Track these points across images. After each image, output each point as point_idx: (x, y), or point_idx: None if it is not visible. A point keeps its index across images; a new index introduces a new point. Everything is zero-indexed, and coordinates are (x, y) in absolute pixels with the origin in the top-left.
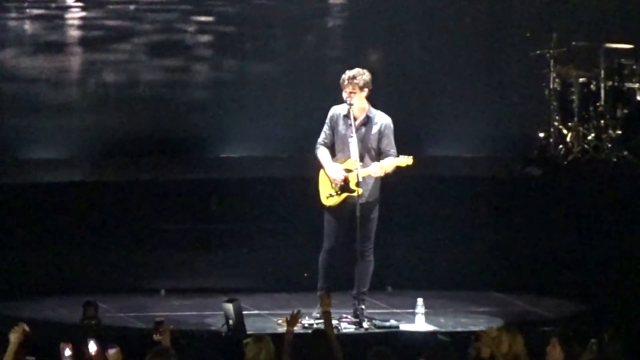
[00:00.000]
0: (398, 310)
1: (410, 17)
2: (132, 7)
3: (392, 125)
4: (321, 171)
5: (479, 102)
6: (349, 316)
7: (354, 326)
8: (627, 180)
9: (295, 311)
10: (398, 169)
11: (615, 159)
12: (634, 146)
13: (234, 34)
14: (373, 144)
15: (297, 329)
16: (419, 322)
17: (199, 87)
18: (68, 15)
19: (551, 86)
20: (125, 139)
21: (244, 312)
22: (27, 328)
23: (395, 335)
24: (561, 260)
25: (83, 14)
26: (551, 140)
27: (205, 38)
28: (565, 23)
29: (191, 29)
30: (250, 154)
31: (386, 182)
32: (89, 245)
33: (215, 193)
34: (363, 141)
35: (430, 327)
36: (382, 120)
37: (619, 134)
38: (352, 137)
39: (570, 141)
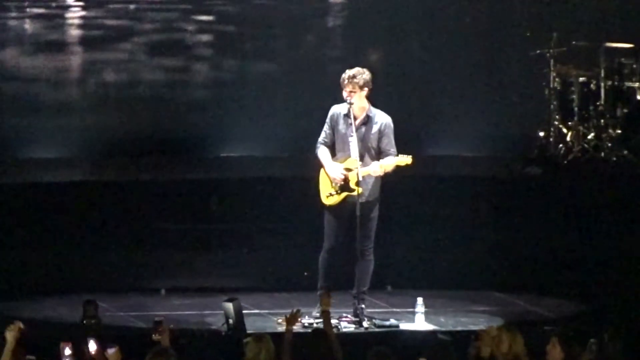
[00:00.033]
0: (398, 310)
1: (410, 17)
2: (132, 6)
3: (392, 125)
4: (321, 170)
5: (479, 101)
6: (349, 315)
7: (354, 325)
8: (627, 179)
9: (295, 310)
10: (398, 168)
11: (615, 158)
12: (634, 145)
13: (234, 34)
14: (373, 143)
15: (297, 328)
16: (419, 322)
17: (199, 86)
18: (68, 15)
19: (551, 85)
20: (125, 138)
21: (244, 312)
22: (22, 326)
23: (395, 335)
24: (561, 260)
25: (83, 13)
26: (551, 139)
27: (205, 38)
28: (566, 22)
29: (191, 28)
30: (250, 154)
31: (386, 181)
32: (89, 245)
33: (215, 193)
34: (363, 140)
35: (430, 327)
36: (382, 119)
37: (619, 133)
38: (352, 136)
39: (570, 140)
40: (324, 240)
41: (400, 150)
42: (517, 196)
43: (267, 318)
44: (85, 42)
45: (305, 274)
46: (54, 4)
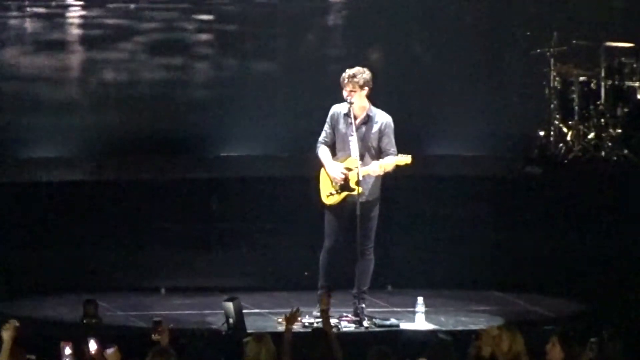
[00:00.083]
0: (398, 309)
1: (410, 17)
2: (132, 5)
3: (392, 124)
4: (322, 170)
5: (479, 101)
6: (350, 315)
7: (354, 325)
8: (627, 179)
9: (294, 309)
10: (398, 167)
11: (615, 158)
12: (634, 145)
13: (235, 33)
14: (373, 142)
15: (297, 327)
16: (420, 321)
17: (200, 86)
18: (69, 14)
19: (551, 85)
20: (126, 138)
21: (244, 311)
22: (17, 324)
23: (395, 334)
24: (561, 260)
25: (83, 12)
26: (551, 139)
27: (205, 37)
28: (566, 22)
29: (191, 27)
30: (250, 153)
31: (386, 181)
32: (89, 245)
33: (215, 192)
34: (363, 140)
35: (430, 326)
36: (382, 119)
37: (619, 132)
38: (352, 135)
39: (571, 140)
40: (324, 240)
41: (400, 150)
42: (518, 195)
43: (267, 318)
44: (86, 41)
45: (306, 273)
46: (54, 3)
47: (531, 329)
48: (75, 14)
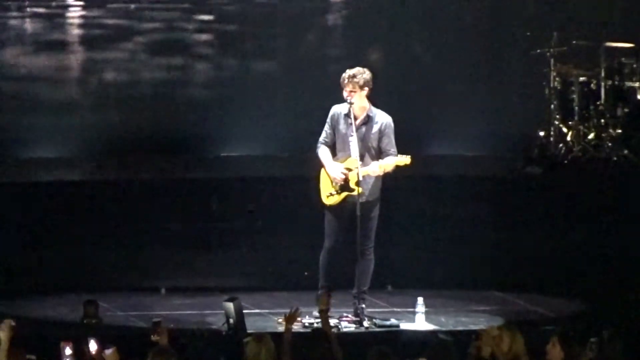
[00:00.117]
0: (398, 309)
1: (410, 17)
2: (132, 5)
3: (392, 125)
4: (322, 170)
5: (479, 101)
6: (350, 315)
7: (354, 325)
8: (627, 179)
9: (294, 309)
10: (398, 168)
11: (615, 158)
12: (634, 145)
13: (235, 33)
14: (373, 143)
15: (297, 327)
16: (420, 321)
17: (200, 86)
18: (69, 14)
19: (551, 85)
20: (126, 138)
21: (245, 311)
22: (13, 323)
23: (395, 335)
24: (561, 260)
25: (84, 12)
26: (551, 139)
27: (205, 37)
28: (566, 22)
29: (191, 27)
30: (250, 153)
31: (386, 181)
32: (89, 245)
33: (215, 192)
34: (363, 140)
35: (430, 326)
36: (382, 119)
37: (619, 132)
38: (352, 136)
39: (571, 140)
40: (324, 240)
41: (401, 150)
42: (518, 195)
43: (267, 318)
44: (86, 41)
45: (306, 273)
46: (54, 4)
47: (531, 329)
48: (75, 14)
